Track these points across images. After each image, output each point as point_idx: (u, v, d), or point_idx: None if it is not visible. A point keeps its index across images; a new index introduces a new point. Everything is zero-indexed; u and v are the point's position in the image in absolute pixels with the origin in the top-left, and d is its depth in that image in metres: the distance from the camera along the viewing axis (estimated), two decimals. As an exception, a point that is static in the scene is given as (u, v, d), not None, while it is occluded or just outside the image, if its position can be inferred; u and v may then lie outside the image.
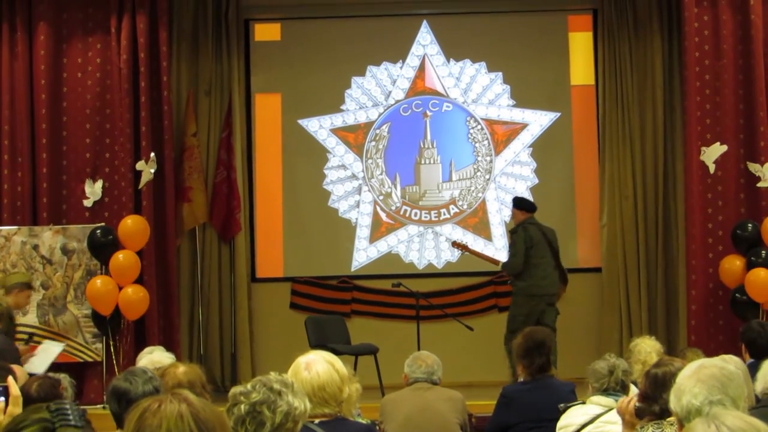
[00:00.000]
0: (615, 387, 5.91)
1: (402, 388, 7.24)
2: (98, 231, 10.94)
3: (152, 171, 11.32)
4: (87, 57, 11.54)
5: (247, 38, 13.13)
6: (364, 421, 5.39)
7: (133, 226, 10.99)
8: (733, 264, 11.00)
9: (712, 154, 11.18)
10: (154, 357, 6.56)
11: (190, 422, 2.78)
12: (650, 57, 12.53)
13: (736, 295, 10.97)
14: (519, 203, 11.28)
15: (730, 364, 4.59)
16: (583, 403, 5.98)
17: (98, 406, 10.28)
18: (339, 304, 12.65)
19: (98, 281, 10.84)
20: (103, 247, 10.90)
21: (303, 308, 12.68)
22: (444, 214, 13.05)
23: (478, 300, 12.82)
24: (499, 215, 13.02)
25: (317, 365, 4.50)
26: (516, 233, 10.98)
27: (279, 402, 4.21)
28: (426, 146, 13.08)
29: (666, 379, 4.46)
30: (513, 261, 10.86)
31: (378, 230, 13.04)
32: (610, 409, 5.65)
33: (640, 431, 4.61)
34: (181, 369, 4.94)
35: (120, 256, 10.86)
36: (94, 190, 11.37)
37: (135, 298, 10.88)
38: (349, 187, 13.10)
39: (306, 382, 4.47)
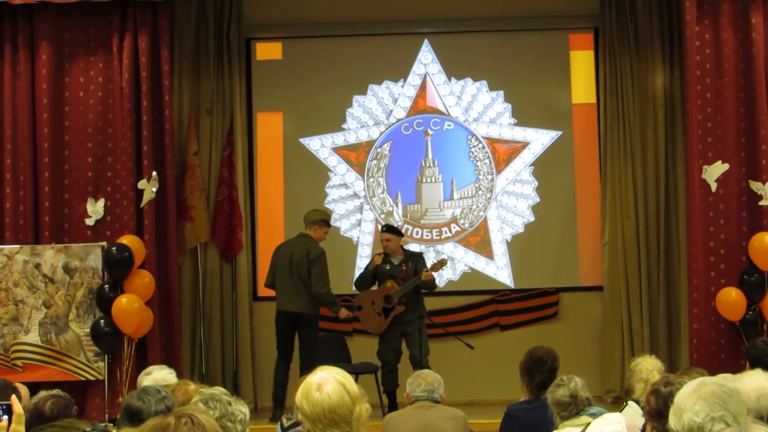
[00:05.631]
0: (584, 408, 5.84)
1: (404, 407, 7.23)
2: (114, 248, 10.93)
3: (154, 190, 11.33)
4: (89, 76, 11.55)
5: (249, 57, 13.16)
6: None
7: (129, 246, 11.04)
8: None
9: (714, 172, 11.17)
10: (157, 376, 6.55)
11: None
12: (651, 75, 12.55)
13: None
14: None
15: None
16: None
17: (101, 424, 10.25)
18: (340, 323, 12.61)
19: (123, 299, 10.84)
20: (119, 264, 10.91)
21: (305, 327, 12.67)
22: (445, 233, 13.06)
23: (480, 318, 12.82)
24: (501, 234, 13.02)
25: (329, 386, 4.44)
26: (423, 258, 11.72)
27: (235, 412, 4.35)
28: (427, 165, 13.09)
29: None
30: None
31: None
32: (588, 425, 5.62)
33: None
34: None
35: (137, 275, 11.01)
36: (95, 209, 11.37)
37: (129, 309, 10.90)
38: (351, 205, 13.11)
39: (317, 403, 4.41)
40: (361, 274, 11.71)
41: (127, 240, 11.02)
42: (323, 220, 11.36)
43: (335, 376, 4.50)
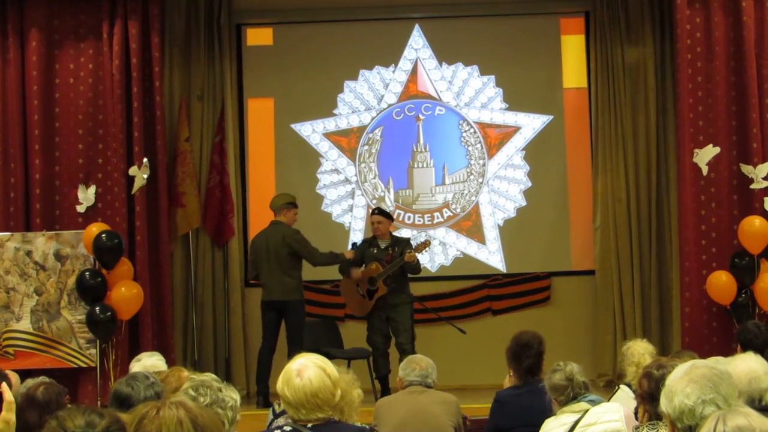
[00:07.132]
0: (581, 392, 5.85)
1: (397, 392, 7.24)
2: (104, 235, 10.90)
3: (145, 176, 11.30)
4: (79, 63, 11.52)
5: (240, 43, 13.13)
6: (359, 425, 5.37)
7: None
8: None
9: (705, 156, 11.17)
10: (147, 363, 6.55)
11: (189, 428, 2.78)
12: (642, 59, 12.53)
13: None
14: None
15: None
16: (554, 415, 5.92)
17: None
18: (332, 309, 12.62)
19: (122, 287, 10.88)
20: (109, 251, 10.89)
21: (297, 313, 12.67)
22: (437, 218, 13.05)
23: (472, 303, 12.82)
24: (493, 218, 13.01)
25: (308, 371, 4.48)
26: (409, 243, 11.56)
27: (225, 398, 4.35)
28: (419, 150, 13.08)
29: None
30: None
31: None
32: (587, 411, 5.63)
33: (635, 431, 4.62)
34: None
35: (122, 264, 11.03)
36: (87, 196, 11.35)
37: (128, 295, 10.93)
38: (342, 191, 13.10)
39: (299, 389, 4.46)
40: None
41: (96, 227, 10.98)
42: (290, 202, 11.43)
43: (314, 361, 4.53)
